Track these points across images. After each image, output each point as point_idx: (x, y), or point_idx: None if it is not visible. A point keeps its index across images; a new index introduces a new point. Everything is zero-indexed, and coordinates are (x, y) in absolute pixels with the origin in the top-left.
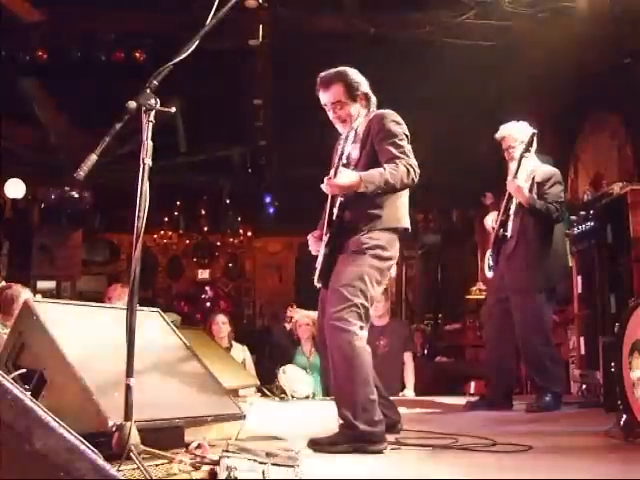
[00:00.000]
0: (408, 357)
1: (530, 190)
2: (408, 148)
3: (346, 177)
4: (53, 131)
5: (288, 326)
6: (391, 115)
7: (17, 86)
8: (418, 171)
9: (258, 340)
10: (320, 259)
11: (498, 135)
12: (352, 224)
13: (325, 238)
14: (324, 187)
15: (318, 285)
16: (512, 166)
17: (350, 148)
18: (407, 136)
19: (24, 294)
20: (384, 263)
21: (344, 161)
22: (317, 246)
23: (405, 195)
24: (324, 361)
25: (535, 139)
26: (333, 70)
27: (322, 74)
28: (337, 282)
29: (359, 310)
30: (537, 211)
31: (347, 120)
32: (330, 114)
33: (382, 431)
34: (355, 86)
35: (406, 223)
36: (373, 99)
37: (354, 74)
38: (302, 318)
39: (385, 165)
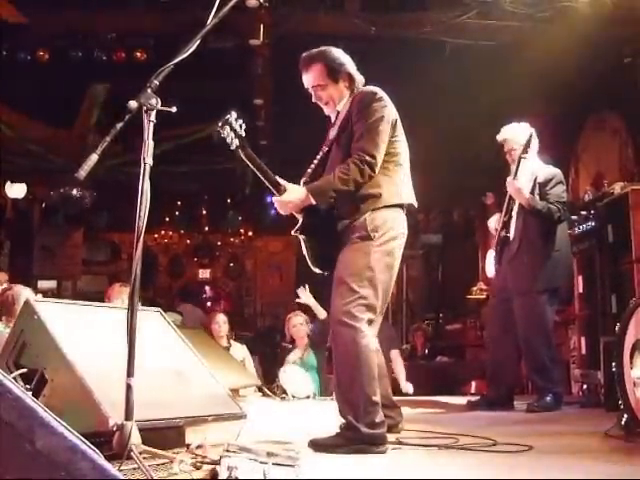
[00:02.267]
0: (396, 354)
1: (532, 191)
2: (380, 132)
3: (292, 194)
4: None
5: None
6: (372, 94)
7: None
8: (377, 162)
9: (260, 340)
10: (303, 247)
11: (499, 137)
12: (348, 208)
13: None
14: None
15: (317, 271)
16: (513, 168)
17: (331, 128)
18: (386, 116)
19: (25, 295)
20: (392, 243)
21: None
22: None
23: (403, 172)
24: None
25: (536, 140)
26: (315, 50)
27: (304, 54)
28: (343, 272)
29: (366, 301)
30: (538, 212)
31: (329, 102)
32: (313, 95)
33: (383, 433)
34: (337, 67)
35: (410, 198)
36: (358, 78)
37: (336, 54)
38: (296, 318)
39: (336, 170)
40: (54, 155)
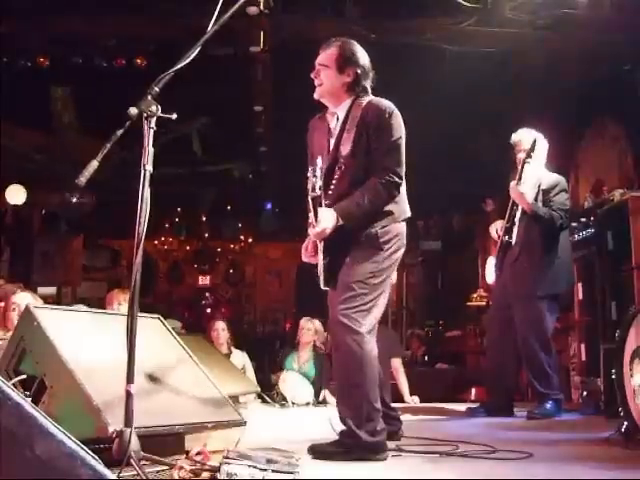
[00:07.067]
0: (397, 363)
1: (536, 198)
2: (402, 151)
3: (325, 223)
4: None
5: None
6: (390, 109)
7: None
8: (402, 182)
9: (259, 347)
10: (320, 265)
11: (514, 137)
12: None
13: (320, 246)
14: (311, 236)
15: (325, 288)
16: (519, 170)
17: (338, 140)
18: (403, 134)
19: (17, 297)
20: (395, 255)
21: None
22: (309, 255)
23: (405, 185)
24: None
25: (543, 146)
26: (344, 38)
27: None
28: (349, 277)
29: (368, 306)
30: (540, 217)
31: (322, 86)
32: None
33: (384, 441)
34: (348, 58)
35: (409, 211)
36: (364, 85)
37: (358, 52)
38: (306, 323)
39: (364, 191)
40: (52, 161)
